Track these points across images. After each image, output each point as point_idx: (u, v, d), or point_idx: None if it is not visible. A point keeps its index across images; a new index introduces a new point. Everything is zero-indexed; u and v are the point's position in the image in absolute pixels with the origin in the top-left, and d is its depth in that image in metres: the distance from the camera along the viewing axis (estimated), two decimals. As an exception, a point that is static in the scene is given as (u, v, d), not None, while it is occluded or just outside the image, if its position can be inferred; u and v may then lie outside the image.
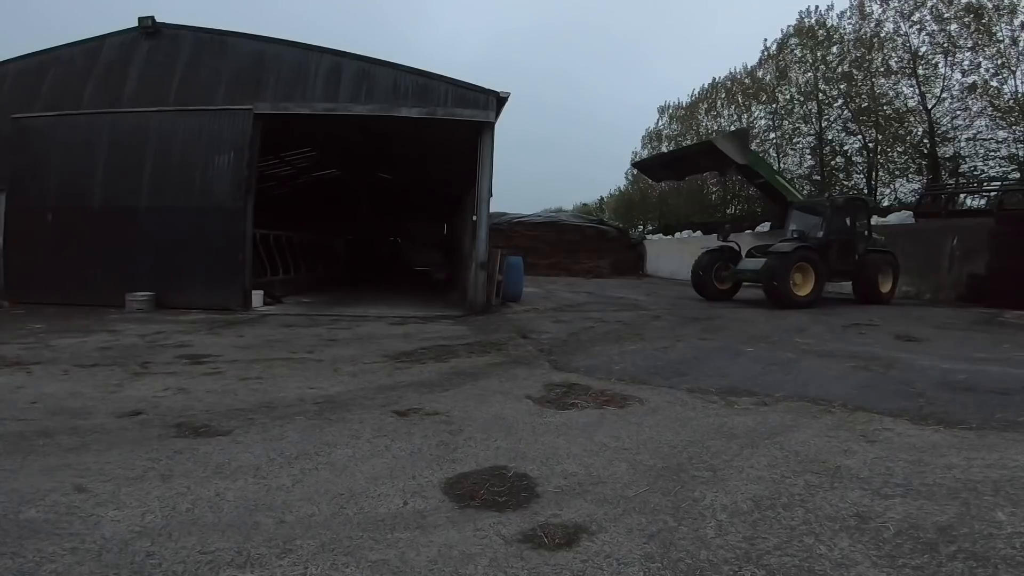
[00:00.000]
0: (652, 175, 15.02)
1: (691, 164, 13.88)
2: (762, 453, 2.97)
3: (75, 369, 4.81)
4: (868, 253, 11.61)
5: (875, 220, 17.02)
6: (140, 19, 9.63)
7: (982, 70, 20.62)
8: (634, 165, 13.33)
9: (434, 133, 11.07)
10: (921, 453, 2.96)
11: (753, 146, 30.54)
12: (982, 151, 21.57)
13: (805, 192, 27.79)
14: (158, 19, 9.67)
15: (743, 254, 12.11)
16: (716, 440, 3.18)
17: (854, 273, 11.56)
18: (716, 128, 31.82)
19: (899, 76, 23.14)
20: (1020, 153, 20.57)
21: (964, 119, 21.65)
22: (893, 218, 16.29)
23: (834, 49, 25.42)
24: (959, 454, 2.95)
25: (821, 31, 25.89)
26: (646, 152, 39.92)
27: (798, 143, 28.14)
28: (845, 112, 25.61)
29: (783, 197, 12.69)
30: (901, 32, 22.49)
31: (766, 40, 29.48)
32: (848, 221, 11.60)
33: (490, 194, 9.78)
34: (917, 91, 22.74)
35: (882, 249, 12.04)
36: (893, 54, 23.11)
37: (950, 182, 21.36)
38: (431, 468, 2.75)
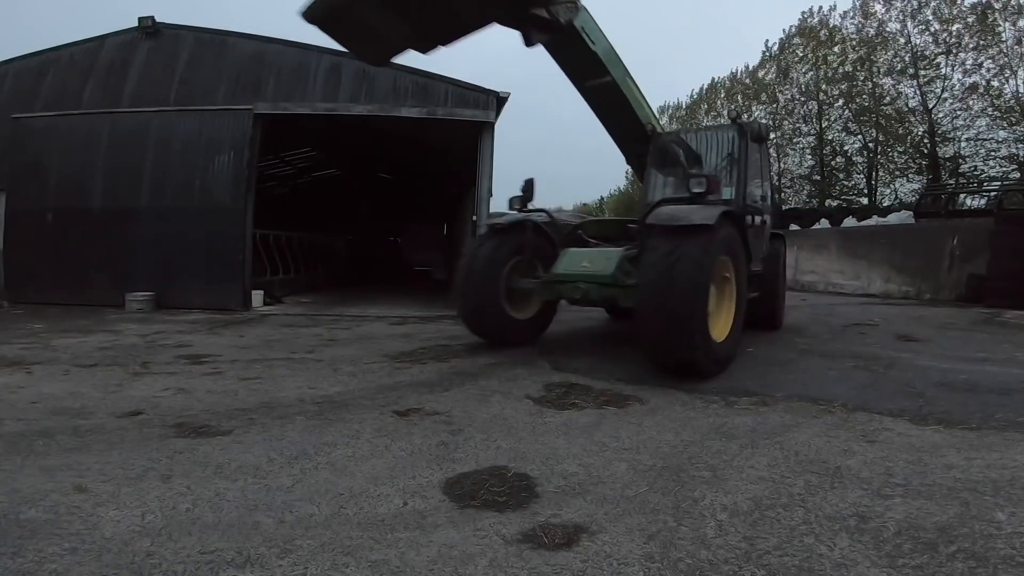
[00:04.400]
0: (359, 40, 4.77)
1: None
2: (762, 453, 2.97)
3: (75, 369, 4.80)
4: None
5: (875, 220, 16.95)
6: (140, 19, 9.65)
7: (983, 70, 20.67)
8: (306, 13, 4.21)
9: (434, 133, 11.08)
10: (921, 453, 2.96)
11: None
12: (982, 151, 21.63)
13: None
14: (158, 19, 9.68)
15: (559, 243, 6.05)
16: (716, 440, 3.17)
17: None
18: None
19: (900, 76, 23.19)
20: (1020, 153, 20.60)
21: (965, 119, 21.72)
22: (893, 218, 16.27)
23: (836, 49, 25.46)
24: (959, 454, 2.94)
25: (823, 31, 25.93)
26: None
27: (798, 143, 28.21)
28: (846, 112, 25.65)
29: (638, 122, 6.20)
30: (904, 32, 22.54)
31: (768, 40, 29.56)
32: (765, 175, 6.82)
33: (490, 194, 9.77)
34: (918, 91, 22.79)
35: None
36: (896, 54, 23.16)
37: (950, 182, 21.39)
38: (431, 468, 2.75)
